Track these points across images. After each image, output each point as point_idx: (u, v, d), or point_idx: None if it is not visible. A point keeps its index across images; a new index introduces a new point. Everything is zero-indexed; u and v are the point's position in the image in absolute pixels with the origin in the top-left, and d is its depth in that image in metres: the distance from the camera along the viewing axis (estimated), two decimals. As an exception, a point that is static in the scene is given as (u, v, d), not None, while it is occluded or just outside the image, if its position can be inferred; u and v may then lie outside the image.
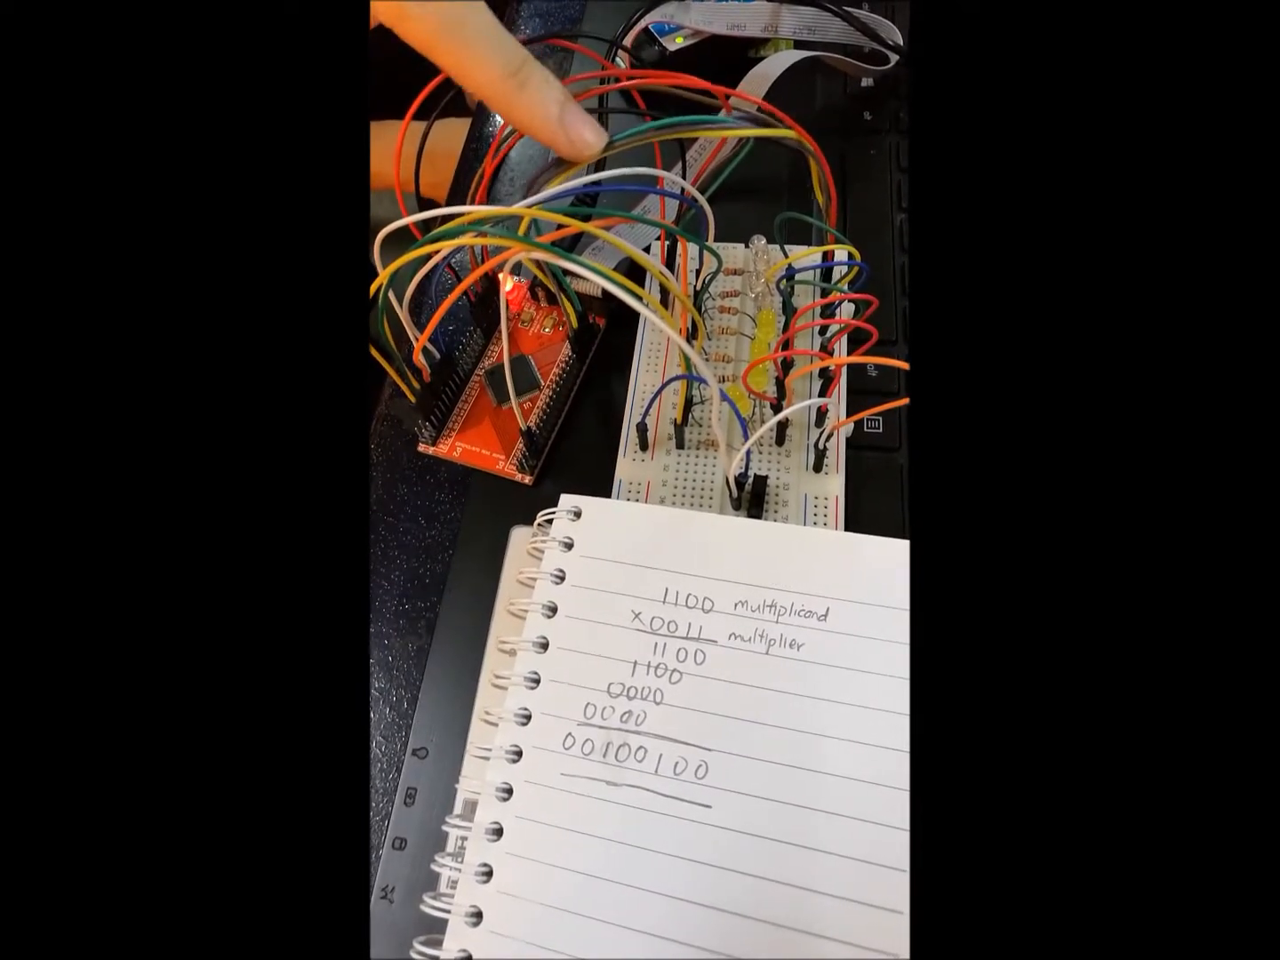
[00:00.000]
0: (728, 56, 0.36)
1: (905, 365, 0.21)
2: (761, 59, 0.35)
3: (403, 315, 0.24)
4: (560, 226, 0.20)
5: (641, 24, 0.34)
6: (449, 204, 0.35)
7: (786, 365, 0.26)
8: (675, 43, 0.35)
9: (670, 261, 0.28)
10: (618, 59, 0.33)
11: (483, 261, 0.21)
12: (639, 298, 0.19)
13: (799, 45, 0.36)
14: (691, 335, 0.27)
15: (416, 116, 0.25)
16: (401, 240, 0.21)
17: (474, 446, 0.28)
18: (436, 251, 0.20)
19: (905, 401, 0.23)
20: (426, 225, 0.20)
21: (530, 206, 0.19)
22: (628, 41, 0.34)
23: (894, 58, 0.35)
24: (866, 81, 0.36)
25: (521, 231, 0.19)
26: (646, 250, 0.30)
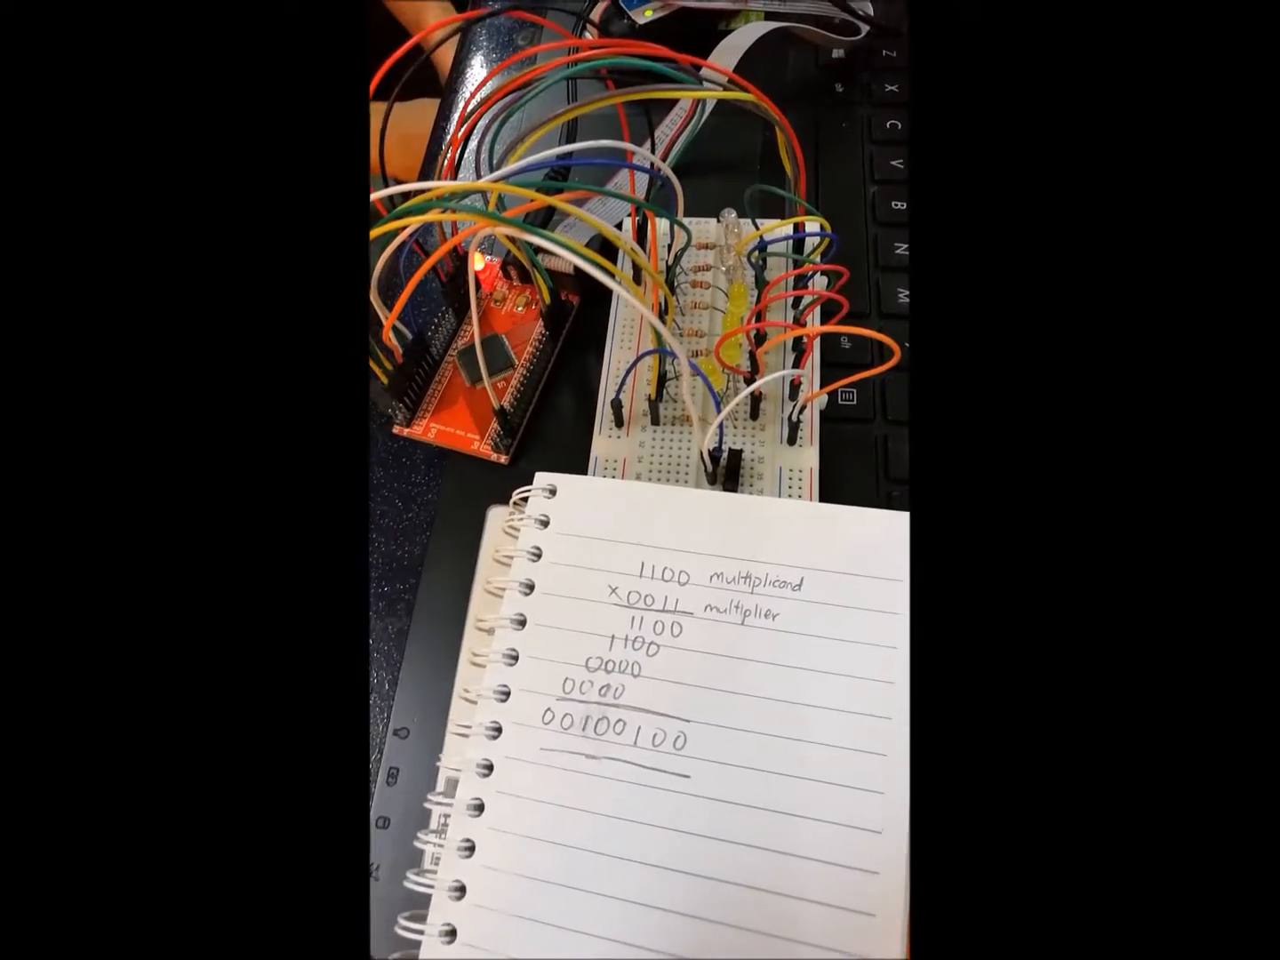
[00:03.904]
0: (698, 29, 0.36)
1: (878, 335, 0.21)
2: (732, 31, 0.34)
3: (371, 294, 0.24)
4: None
5: (609, -3, 0.34)
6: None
7: (759, 338, 0.26)
8: (644, 16, 0.35)
9: (641, 237, 0.28)
10: (586, 32, 0.33)
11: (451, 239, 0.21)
12: (610, 274, 0.19)
13: (769, 17, 0.36)
14: (664, 311, 0.27)
15: (379, 96, 0.25)
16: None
17: (449, 427, 0.28)
18: (403, 229, 0.20)
19: (879, 370, 0.23)
20: (393, 203, 0.20)
21: (496, 181, 0.18)
22: (595, 14, 0.34)
23: (864, 28, 0.35)
24: (837, 53, 0.36)
25: (491, 206, 0.19)
26: (619, 226, 0.30)
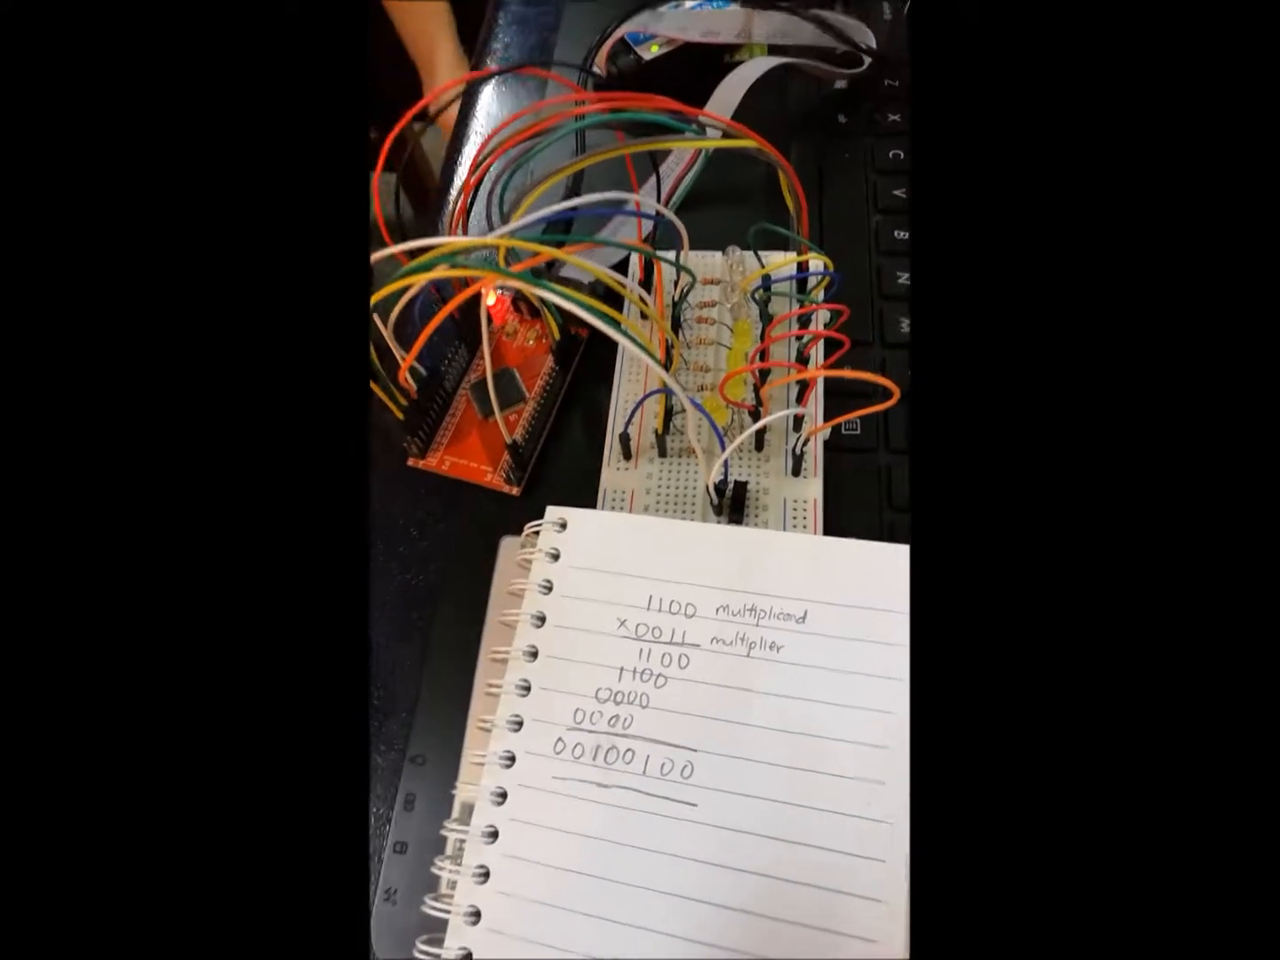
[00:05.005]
0: (703, 62, 0.37)
1: (875, 378, 0.21)
2: (737, 63, 0.35)
3: (387, 335, 0.25)
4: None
5: (616, 35, 0.35)
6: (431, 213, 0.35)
7: (763, 374, 0.26)
8: (651, 51, 0.36)
9: (648, 275, 0.29)
10: (591, 77, 0.34)
11: (466, 285, 0.22)
12: (615, 323, 0.19)
13: (773, 49, 0.37)
14: (670, 348, 0.27)
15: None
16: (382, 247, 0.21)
17: (462, 459, 0.29)
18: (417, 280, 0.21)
19: (881, 407, 0.23)
20: (413, 255, 0.21)
21: (504, 236, 0.19)
22: (602, 54, 0.35)
23: (866, 59, 0.35)
24: (840, 83, 0.37)
25: (501, 261, 0.20)
26: (626, 260, 0.31)
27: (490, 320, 0.31)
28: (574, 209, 0.20)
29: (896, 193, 0.34)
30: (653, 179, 0.30)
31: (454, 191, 0.35)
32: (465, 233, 0.26)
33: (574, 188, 0.26)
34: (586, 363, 0.31)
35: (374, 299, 0.20)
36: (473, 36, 0.70)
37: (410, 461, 0.29)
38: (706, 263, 0.31)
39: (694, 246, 0.30)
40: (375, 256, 0.22)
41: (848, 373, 0.20)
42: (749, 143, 0.23)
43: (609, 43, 0.35)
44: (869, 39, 0.36)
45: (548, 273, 0.28)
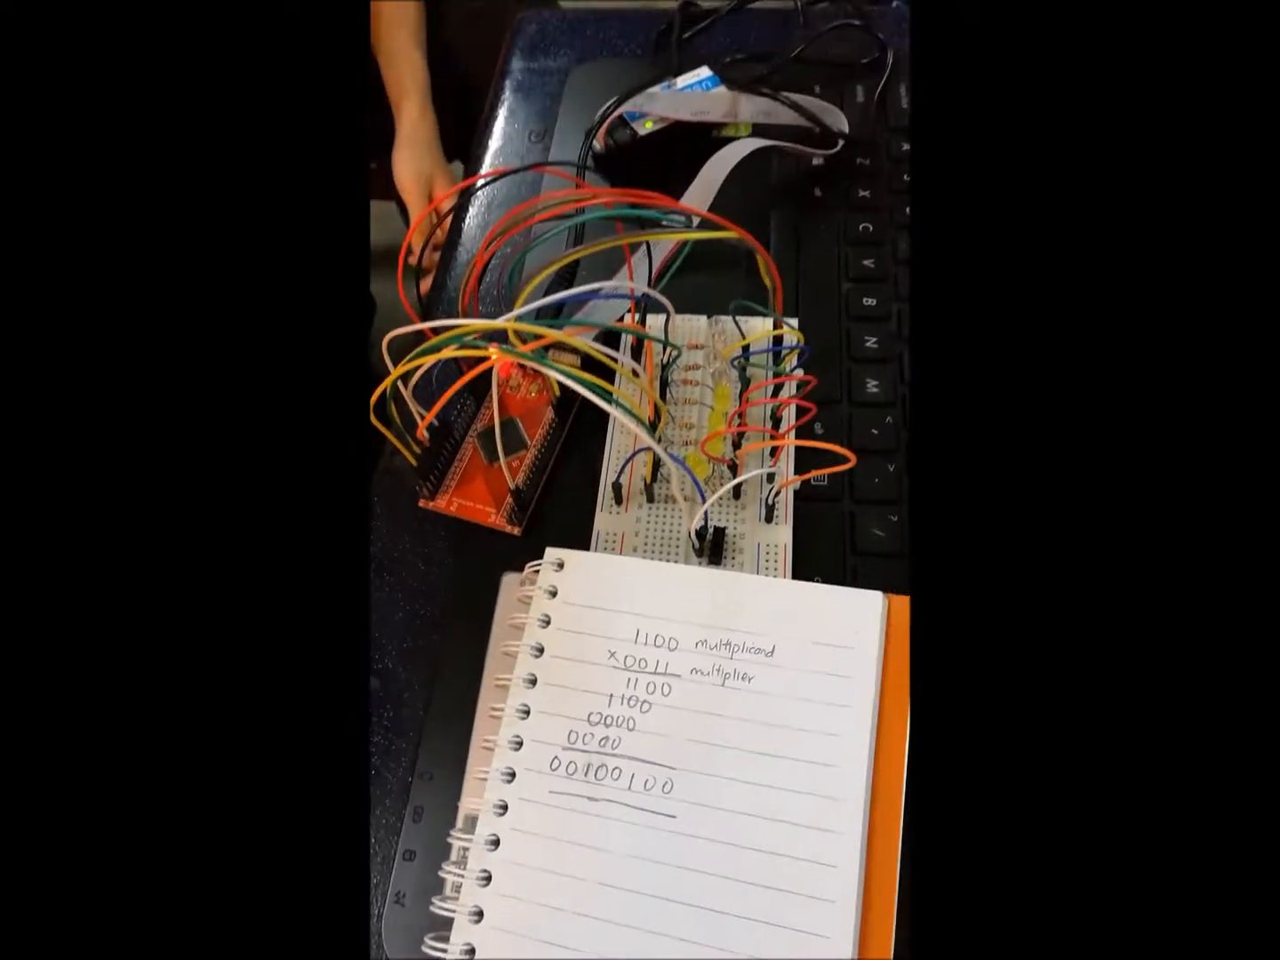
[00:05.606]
0: (693, 138, 0.40)
1: (835, 448, 0.25)
2: (724, 139, 0.39)
3: (407, 395, 0.28)
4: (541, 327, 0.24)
5: (614, 114, 0.38)
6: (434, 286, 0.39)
7: (740, 434, 0.30)
8: (645, 127, 0.40)
9: (639, 342, 0.32)
10: (587, 168, 0.37)
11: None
12: (608, 395, 0.22)
13: (757, 128, 0.40)
14: (659, 409, 0.31)
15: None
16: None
17: (468, 501, 0.32)
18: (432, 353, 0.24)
19: (841, 468, 0.27)
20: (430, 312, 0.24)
21: (511, 321, 0.22)
22: (600, 131, 0.38)
23: (840, 141, 0.39)
24: (817, 160, 0.41)
25: (511, 338, 0.23)
26: (620, 320, 0.34)
27: (498, 376, 0.34)
28: (577, 294, 0.23)
29: (866, 263, 0.37)
30: (644, 247, 0.33)
31: (460, 265, 0.38)
32: (476, 305, 0.29)
33: (570, 264, 0.29)
34: (583, 415, 0.34)
35: (397, 371, 0.23)
36: (460, 84, 0.72)
37: (421, 503, 0.32)
38: (692, 326, 0.34)
39: (681, 310, 0.33)
40: (398, 332, 0.25)
41: (812, 443, 0.23)
42: (731, 234, 0.26)
43: (608, 121, 0.38)
44: (842, 123, 0.39)
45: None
